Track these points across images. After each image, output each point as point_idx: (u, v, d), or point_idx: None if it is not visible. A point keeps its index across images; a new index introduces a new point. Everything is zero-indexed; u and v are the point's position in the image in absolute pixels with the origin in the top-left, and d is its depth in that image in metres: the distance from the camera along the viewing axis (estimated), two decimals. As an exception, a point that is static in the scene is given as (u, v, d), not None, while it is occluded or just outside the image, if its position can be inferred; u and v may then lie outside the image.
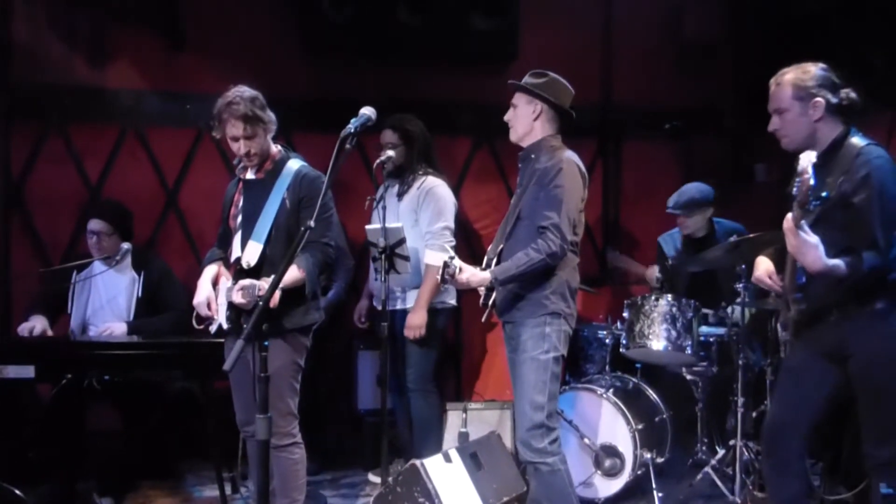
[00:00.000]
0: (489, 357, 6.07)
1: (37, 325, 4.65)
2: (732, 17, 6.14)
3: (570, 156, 3.85)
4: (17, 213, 5.52)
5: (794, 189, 2.91)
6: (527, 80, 3.92)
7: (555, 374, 3.79)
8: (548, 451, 3.75)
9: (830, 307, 3.27)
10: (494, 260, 3.90)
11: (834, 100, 3.26)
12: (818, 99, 3.25)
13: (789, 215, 3.01)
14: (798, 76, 3.28)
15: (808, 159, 2.94)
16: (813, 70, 3.29)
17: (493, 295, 3.89)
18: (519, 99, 3.92)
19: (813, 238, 3.03)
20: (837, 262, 3.09)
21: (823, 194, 3.04)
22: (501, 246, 3.91)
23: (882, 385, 3.24)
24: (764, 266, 3.59)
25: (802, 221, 2.98)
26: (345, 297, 5.37)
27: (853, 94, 3.29)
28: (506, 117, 3.96)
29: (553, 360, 3.77)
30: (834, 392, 3.38)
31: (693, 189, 5.29)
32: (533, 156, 3.90)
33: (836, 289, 3.19)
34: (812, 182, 2.89)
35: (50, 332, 4.71)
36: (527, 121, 3.90)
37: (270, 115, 3.72)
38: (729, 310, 4.91)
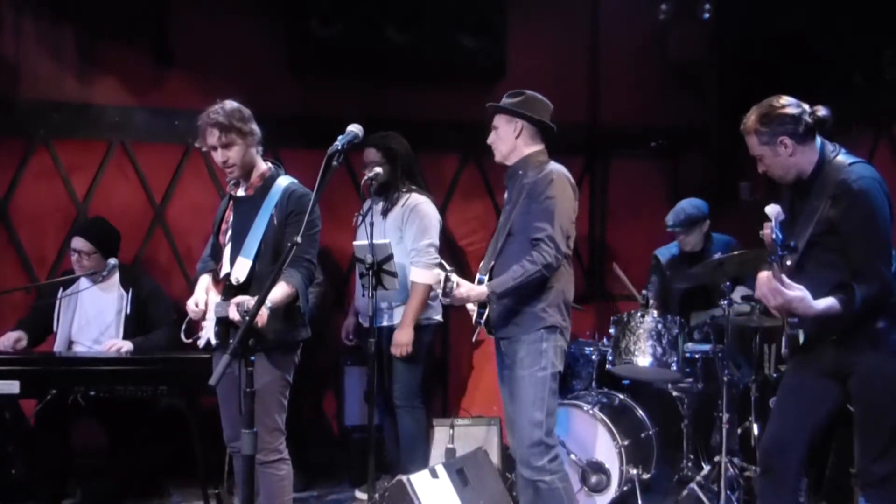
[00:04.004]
0: (476, 373, 6.07)
1: (10, 337, 4.64)
2: (716, 38, 6.20)
3: (559, 167, 3.87)
4: (2, 229, 5.49)
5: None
6: (504, 101, 3.94)
7: (553, 391, 3.78)
8: (547, 469, 3.73)
9: (831, 331, 3.25)
10: (486, 278, 3.88)
11: (800, 128, 3.24)
12: (782, 138, 3.24)
13: (770, 281, 3.03)
14: (757, 122, 3.27)
15: (773, 213, 2.97)
16: (769, 109, 3.27)
17: (486, 312, 3.87)
18: (499, 120, 3.94)
19: (796, 291, 3.05)
20: (830, 303, 3.10)
21: (791, 244, 3.07)
22: (493, 263, 3.90)
23: (882, 402, 3.24)
24: None
25: (782, 275, 3.00)
26: (317, 313, 5.34)
27: (822, 111, 3.27)
28: (489, 140, 3.98)
29: (550, 377, 3.76)
30: (833, 409, 3.38)
31: (687, 206, 5.34)
32: (520, 172, 3.91)
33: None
34: (774, 236, 2.92)
35: (24, 343, 4.67)
36: (509, 140, 3.91)
37: (252, 128, 3.69)
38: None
